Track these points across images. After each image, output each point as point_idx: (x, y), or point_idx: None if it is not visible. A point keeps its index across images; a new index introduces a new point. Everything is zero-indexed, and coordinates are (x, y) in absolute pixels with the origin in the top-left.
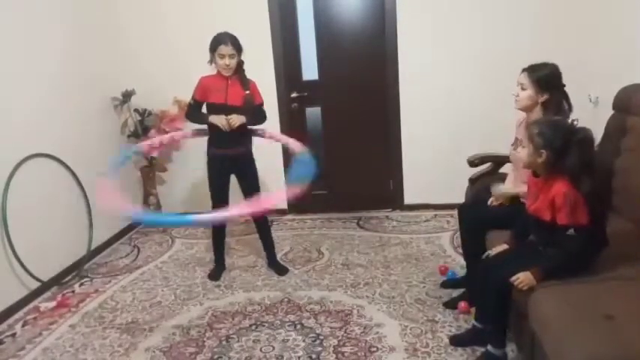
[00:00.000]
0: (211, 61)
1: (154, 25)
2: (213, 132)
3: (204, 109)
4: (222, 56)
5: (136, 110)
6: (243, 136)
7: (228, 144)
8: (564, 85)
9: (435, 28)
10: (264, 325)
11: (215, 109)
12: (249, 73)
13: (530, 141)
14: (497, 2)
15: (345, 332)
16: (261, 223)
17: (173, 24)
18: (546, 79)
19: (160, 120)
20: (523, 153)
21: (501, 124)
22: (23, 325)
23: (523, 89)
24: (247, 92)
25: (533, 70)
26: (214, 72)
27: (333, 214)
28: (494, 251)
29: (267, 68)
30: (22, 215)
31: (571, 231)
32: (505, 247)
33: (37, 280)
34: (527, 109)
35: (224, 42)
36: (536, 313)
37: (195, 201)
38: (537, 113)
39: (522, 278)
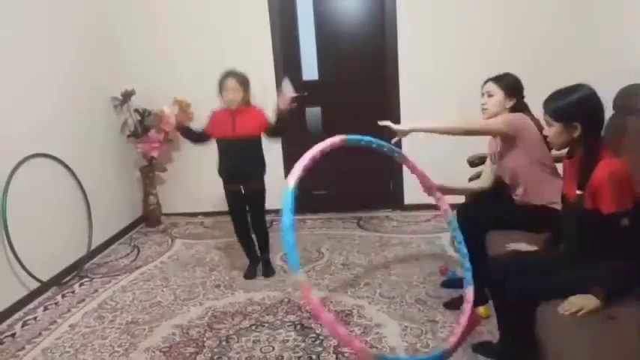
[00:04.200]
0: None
1: (154, 24)
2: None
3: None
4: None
5: (135, 110)
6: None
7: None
8: (524, 97)
9: (436, 28)
10: (264, 326)
11: (225, 144)
12: (250, 72)
13: (554, 118)
14: (499, 3)
15: None
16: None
17: (173, 24)
18: (514, 85)
19: (160, 120)
20: (551, 133)
21: None
22: (23, 326)
23: (490, 96)
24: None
25: (499, 79)
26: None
27: (333, 214)
28: (513, 246)
29: (267, 68)
30: (21, 215)
31: (625, 221)
32: (531, 248)
33: (37, 280)
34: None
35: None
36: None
37: (195, 201)
38: None
39: (576, 302)
